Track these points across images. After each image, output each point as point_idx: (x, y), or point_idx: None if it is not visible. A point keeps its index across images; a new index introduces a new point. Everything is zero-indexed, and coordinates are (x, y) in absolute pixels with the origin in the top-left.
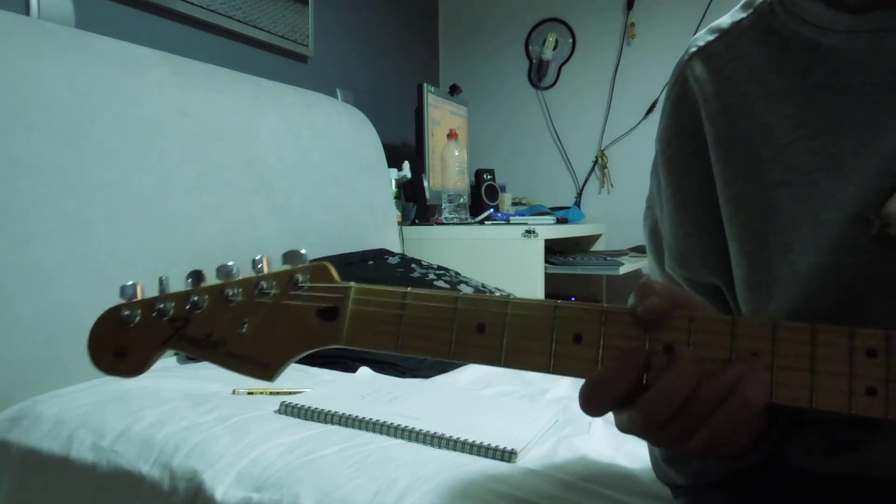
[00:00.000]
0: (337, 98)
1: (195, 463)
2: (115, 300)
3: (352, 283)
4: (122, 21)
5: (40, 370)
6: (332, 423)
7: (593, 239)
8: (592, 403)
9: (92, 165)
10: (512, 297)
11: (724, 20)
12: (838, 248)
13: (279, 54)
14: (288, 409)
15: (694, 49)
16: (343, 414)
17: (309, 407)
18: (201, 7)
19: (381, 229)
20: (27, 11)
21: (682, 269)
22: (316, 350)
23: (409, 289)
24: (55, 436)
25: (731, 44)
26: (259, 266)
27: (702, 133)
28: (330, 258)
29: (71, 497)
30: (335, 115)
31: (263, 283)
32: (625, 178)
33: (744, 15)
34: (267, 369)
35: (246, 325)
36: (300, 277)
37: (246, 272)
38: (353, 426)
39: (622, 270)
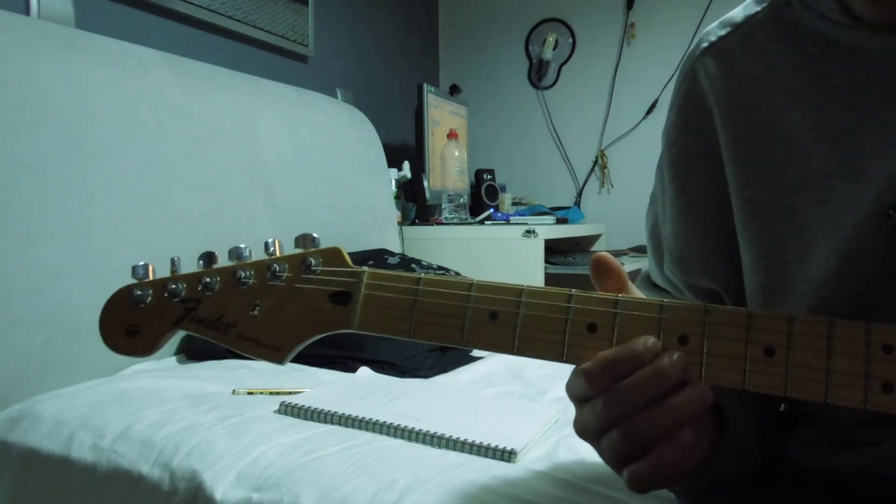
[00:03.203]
0: (337, 98)
1: (195, 463)
2: None
3: (365, 268)
4: (122, 21)
5: (40, 370)
6: (332, 423)
7: (593, 239)
8: (599, 380)
9: (92, 166)
10: (526, 285)
11: (737, 13)
12: (852, 253)
13: (279, 54)
14: (288, 409)
15: (706, 44)
16: (343, 414)
17: (309, 407)
18: (201, 7)
19: (381, 229)
20: (27, 11)
21: (682, 272)
22: (328, 334)
23: (422, 274)
24: (55, 436)
25: (745, 39)
26: (272, 249)
27: (711, 132)
28: None
29: (71, 497)
30: (335, 115)
31: (276, 266)
32: (625, 178)
33: (758, 9)
34: (278, 352)
35: (258, 308)
36: (313, 261)
37: (257, 253)
38: (353, 426)
39: None
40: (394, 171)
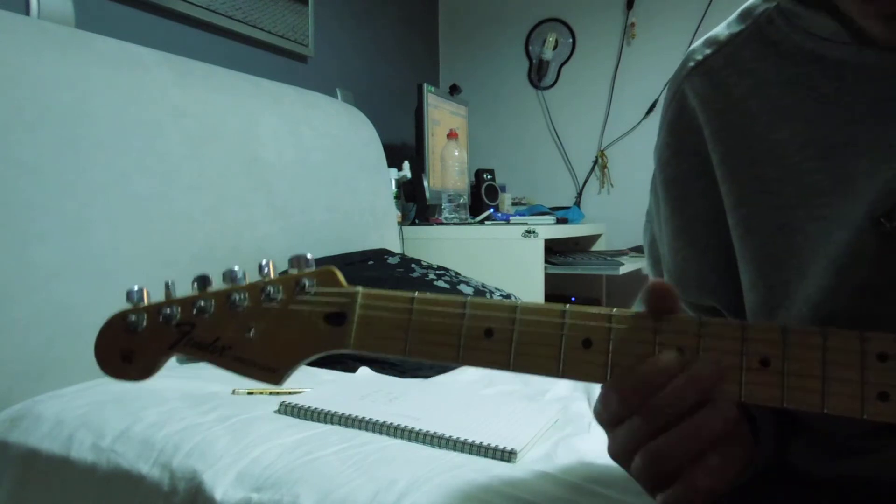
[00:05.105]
0: (337, 98)
1: (195, 463)
2: (115, 300)
3: (359, 288)
4: (122, 21)
5: (40, 370)
6: (332, 423)
7: (593, 239)
8: (635, 397)
9: (92, 166)
10: (520, 301)
11: (721, 31)
12: (846, 266)
13: (279, 54)
14: (288, 409)
15: (692, 64)
16: (343, 414)
17: (309, 407)
18: (201, 7)
19: (381, 229)
20: (27, 11)
21: (681, 291)
22: (324, 354)
23: (416, 294)
24: (55, 436)
25: (731, 57)
26: (266, 271)
27: (703, 151)
28: (330, 258)
29: (71, 497)
30: (335, 115)
31: (270, 288)
32: (625, 178)
33: (742, 27)
34: (274, 374)
35: (253, 330)
36: (307, 282)
37: (251, 274)
38: (353, 426)
39: (622, 270)
40: (394, 171)
